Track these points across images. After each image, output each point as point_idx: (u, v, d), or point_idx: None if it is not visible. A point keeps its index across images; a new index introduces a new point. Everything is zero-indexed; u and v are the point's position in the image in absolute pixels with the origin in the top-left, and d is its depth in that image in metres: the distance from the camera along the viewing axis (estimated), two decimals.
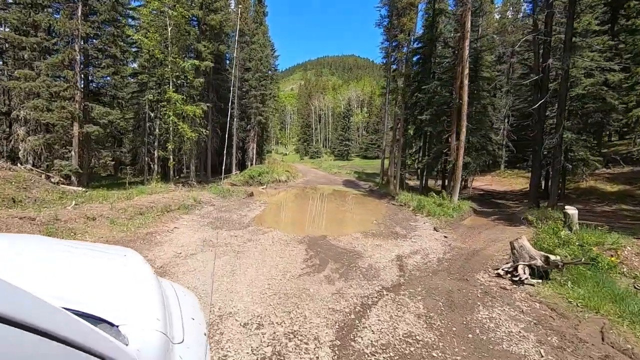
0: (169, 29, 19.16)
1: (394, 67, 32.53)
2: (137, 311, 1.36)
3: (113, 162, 19.38)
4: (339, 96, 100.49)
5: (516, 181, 27.10)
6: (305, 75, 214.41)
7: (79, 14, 15.79)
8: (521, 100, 30.71)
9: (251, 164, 33.87)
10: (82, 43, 16.29)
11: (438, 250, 8.47)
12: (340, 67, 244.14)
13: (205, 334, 1.77)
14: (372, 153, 69.73)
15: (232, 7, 33.20)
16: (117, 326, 1.25)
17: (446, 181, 25.10)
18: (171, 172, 21.10)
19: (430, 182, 28.83)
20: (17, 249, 1.45)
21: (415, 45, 25.71)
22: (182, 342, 1.49)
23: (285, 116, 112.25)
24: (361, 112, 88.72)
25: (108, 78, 18.57)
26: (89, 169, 18.40)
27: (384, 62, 37.19)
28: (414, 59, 25.74)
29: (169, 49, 19.38)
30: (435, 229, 11.75)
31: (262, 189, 25.88)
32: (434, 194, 16.95)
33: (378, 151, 71.27)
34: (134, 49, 22.55)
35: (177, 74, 19.67)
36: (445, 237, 10.41)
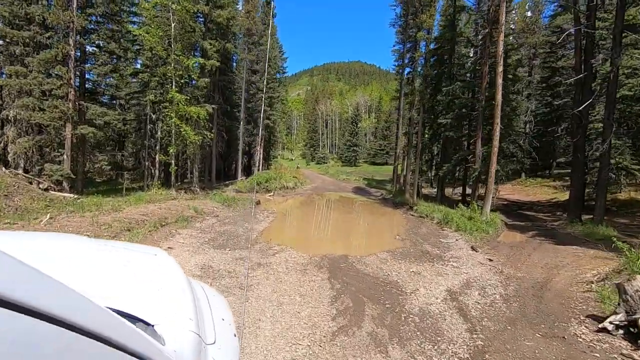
0: (173, 24, 17.84)
1: (408, 69, 31.07)
2: (169, 311, 1.35)
3: (109, 167, 17.98)
4: (346, 101, 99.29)
5: (541, 191, 25.27)
6: (312, 80, 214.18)
7: (75, 5, 14.52)
8: (543, 104, 28.99)
9: (257, 169, 32.43)
10: (77, 37, 15.01)
11: (492, 281, 6.82)
12: (346, 73, 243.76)
13: (235, 335, 1.76)
14: (381, 159, 68.09)
15: (240, 8, 32.02)
16: (153, 325, 1.24)
17: (467, 190, 23.39)
18: (173, 177, 19.67)
19: (447, 191, 27.13)
20: (56, 247, 1.48)
21: (432, 47, 24.18)
22: (214, 342, 1.49)
23: (291, 121, 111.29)
24: (369, 117, 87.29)
25: (106, 76, 17.26)
26: (84, 174, 17.05)
27: (397, 64, 35.80)
28: (432, 59, 24.20)
29: (172, 46, 18.06)
30: (473, 248, 10.08)
31: (270, 196, 24.37)
32: (462, 205, 15.25)
33: (387, 157, 69.67)
34: (135, 47, 21.30)
35: (181, 72, 18.32)
36: (490, 260, 8.74)
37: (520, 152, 17.91)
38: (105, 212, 9.63)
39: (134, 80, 21.94)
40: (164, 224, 9.70)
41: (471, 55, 22.14)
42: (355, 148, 70.76)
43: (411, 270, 7.43)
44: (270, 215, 15.26)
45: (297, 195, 26.15)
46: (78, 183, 16.66)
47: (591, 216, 13.99)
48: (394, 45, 36.02)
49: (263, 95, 31.65)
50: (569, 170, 27.99)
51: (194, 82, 21.93)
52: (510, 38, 21.31)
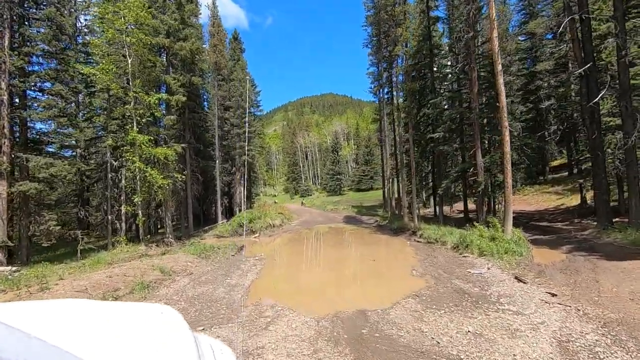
0: (129, 60, 16.01)
1: (386, 90, 30.25)
2: None
3: (59, 226, 15.18)
4: (324, 131, 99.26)
5: (542, 198, 23.89)
6: (287, 115, 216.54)
7: (6, 43, 12.45)
8: (527, 109, 28.45)
9: (239, 210, 29.89)
10: (10, 79, 12.81)
11: (590, 335, 4.69)
12: (320, 105, 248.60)
13: None
14: (366, 185, 66.66)
15: (206, 46, 30.82)
16: None
17: (469, 206, 21.67)
18: (141, 230, 17.00)
19: (445, 209, 25.41)
20: (64, 314, 1.53)
21: (410, 62, 23.32)
22: None
23: (270, 157, 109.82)
24: (348, 144, 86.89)
25: (52, 122, 14.94)
26: (29, 239, 14.20)
27: (374, 85, 35.24)
28: (412, 74, 23.25)
29: (131, 83, 16.12)
30: (517, 278, 8.00)
31: (255, 237, 21.83)
32: (475, 223, 13.30)
33: (371, 182, 68.35)
34: (92, 89, 19.20)
35: (142, 111, 16.25)
36: (553, 294, 6.65)
37: (526, 158, 16.44)
38: (34, 290, 7.02)
39: (91, 126, 19.65)
40: (113, 298, 7.17)
41: (450, 64, 21.24)
42: (338, 176, 69.30)
43: (467, 329, 5.21)
44: (257, 262, 12.81)
45: (285, 233, 23.70)
46: (22, 250, 13.77)
47: (624, 219, 12.34)
48: (368, 68, 35.63)
49: (245, 128, 29.85)
50: (566, 174, 27.06)
51: (162, 123, 19.92)
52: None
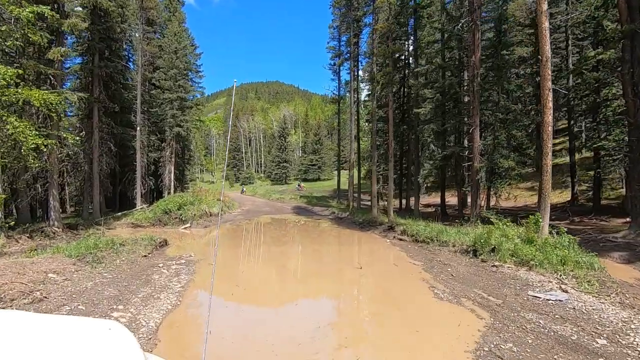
0: None
1: (348, 66, 26.69)
2: None
3: None
4: (270, 117, 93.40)
5: (516, 193, 22.26)
6: (230, 100, 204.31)
7: None
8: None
9: (169, 194, 24.14)
10: None
11: None
12: (265, 93, 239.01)
13: None
14: (313, 174, 63.20)
15: None
16: None
17: (448, 199, 19.07)
18: (0, 214, 11.17)
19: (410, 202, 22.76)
20: None
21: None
22: None
23: (210, 140, 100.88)
24: (295, 132, 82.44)
25: None
26: None
27: (334, 62, 31.56)
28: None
29: None
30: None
31: (185, 228, 16.85)
32: (499, 220, 9.95)
33: (319, 172, 64.97)
34: None
35: (5, 28, 10.37)
36: None
37: (522, 145, 13.93)
38: None
39: None
40: None
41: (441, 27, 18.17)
42: (285, 164, 64.85)
43: None
44: (183, 268, 8.25)
45: (226, 224, 18.99)
46: None
47: None
48: (328, 42, 31.77)
49: (180, 93, 24.03)
50: (532, 170, 26.10)
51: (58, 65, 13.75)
52: None
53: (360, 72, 26.19)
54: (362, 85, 25.41)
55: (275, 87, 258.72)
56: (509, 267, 7.45)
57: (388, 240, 13.09)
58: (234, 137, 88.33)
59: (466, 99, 13.95)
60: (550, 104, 8.43)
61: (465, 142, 14.91)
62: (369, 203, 30.15)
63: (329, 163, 65.99)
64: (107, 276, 7.01)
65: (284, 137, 66.99)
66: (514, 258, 7.66)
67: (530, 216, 8.58)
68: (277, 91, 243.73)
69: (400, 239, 12.76)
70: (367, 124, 30.22)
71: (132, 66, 25.36)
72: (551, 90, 8.40)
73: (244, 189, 51.48)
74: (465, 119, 13.78)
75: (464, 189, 15.07)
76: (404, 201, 21.95)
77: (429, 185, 23.25)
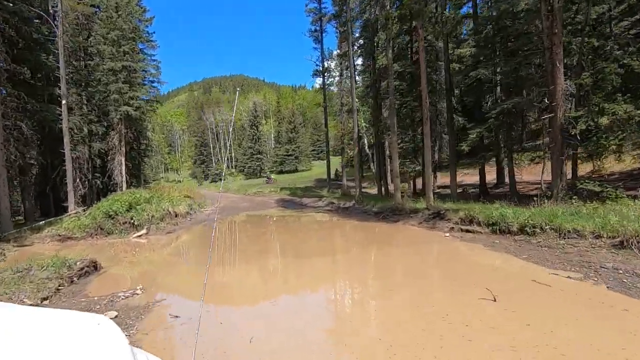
0: None
1: (335, 23, 22.15)
2: None
3: None
4: (239, 107, 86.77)
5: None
6: (193, 95, 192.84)
7: None
8: None
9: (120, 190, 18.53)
10: None
11: None
12: (230, 86, 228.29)
13: None
14: (290, 166, 58.26)
15: None
16: None
17: (488, 176, 15.14)
18: None
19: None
20: None
21: None
22: None
23: (173, 136, 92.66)
24: (267, 122, 76.65)
25: None
26: None
27: (315, 28, 27.07)
28: None
29: None
30: None
31: (139, 237, 11.83)
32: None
33: (296, 163, 60.01)
34: None
35: None
36: None
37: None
38: None
39: None
40: None
41: None
42: (259, 156, 59.43)
43: None
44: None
45: (195, 226, 14.08)
46: None
47: None
48: (307, 5, 27.15)
49: (125, 61, 18.46)
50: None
51: None
52: None
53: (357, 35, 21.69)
54: (353, 49, 20.86)
55: (240, 81, 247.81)
56: None
57: (446, 234, 8.88)
58: (200, 131, 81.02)
59: (533, 27, 9.93)
60: None
61: (524, 94, 10.96)
62: (366, 190, 26.07)
63: (306, 152, 61.24)
64: None
65: (256, 127, 61.43)
66: None
67: None
68: (243, 84, 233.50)
69: (467, 230, 8.60)
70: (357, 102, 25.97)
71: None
72: None
73: (216, 186, 45.87)
74: (537, 58, 9.71)
75: (539, 153, 11.07)
76: (448, 178, 17.83)
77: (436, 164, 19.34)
